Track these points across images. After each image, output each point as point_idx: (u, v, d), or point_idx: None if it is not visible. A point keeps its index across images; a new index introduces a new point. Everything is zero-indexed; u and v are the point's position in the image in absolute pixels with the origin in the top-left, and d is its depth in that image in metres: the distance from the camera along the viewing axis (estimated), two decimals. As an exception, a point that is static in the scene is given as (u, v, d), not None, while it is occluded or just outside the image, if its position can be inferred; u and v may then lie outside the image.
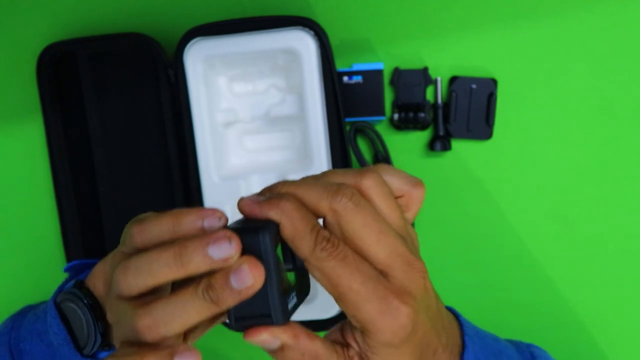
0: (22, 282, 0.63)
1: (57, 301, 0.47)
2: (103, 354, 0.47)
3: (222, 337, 0.62)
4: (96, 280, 0.47)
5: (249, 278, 0.32)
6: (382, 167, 0.39)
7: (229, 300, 0.33)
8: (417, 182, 0.39)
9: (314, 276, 0.34)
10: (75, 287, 0.47)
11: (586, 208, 0.57)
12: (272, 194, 0.35)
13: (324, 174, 0.37)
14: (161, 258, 0.33)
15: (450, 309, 0.43)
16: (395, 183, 0.38)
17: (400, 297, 0.34)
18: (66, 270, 0.52)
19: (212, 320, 0.40)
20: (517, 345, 0.47)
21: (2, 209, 0.63)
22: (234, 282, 0.32)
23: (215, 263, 0.33)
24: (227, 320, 0.35)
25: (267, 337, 0.34)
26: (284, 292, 0.34)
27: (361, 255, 0.34)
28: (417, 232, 0.58)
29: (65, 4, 0.59)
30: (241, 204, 0.34)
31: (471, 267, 0.59)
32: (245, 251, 0.33)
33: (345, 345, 0.36)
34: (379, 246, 0.34)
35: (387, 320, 0.33)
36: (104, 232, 0.60)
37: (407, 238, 0.36)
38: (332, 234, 0.34)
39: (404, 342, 0.34)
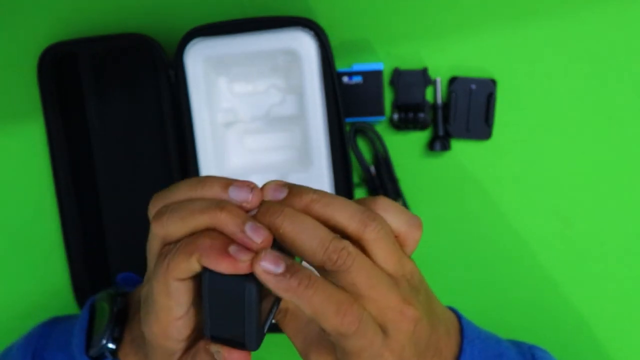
0: (23, 281, 0.63)
1: (95, 299, 0.49)
2: None
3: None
4: (136, 293, 0.48)
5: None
6: (383, 203, 0.38)
7: (234, 220, 0.35)
8: (416, 224, 0.39)
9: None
10: (116, 292, 0.48)
11: (586, 208, 0.57)
12: (292, 267, 0.34)
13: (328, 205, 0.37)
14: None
15: (453, 310, 0.44)
16: (395, 223, 0.38)
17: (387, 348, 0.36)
18: (119, 280, 0.53)
19: None
20: (519, 347, 0.48)
21: (3, 209, 0.63)
22: (249, 229, 0.35)
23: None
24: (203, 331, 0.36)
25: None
26: (262, 320, 0.35)
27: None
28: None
29: (66, 5, 0.59)
30: (258, 267, 0.33)
31: (471, 267, 0.59)
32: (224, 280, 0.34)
33: None
34: (372, 304, 0.35)
35: (397, 316, 0.36)
36: (104, 232, 0.60)
37: (401, 281, 0.37)
38: (350, 295, 0.35)
39: (404, 341, 0.36)
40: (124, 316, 0.47)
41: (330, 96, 0.54)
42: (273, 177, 0.56)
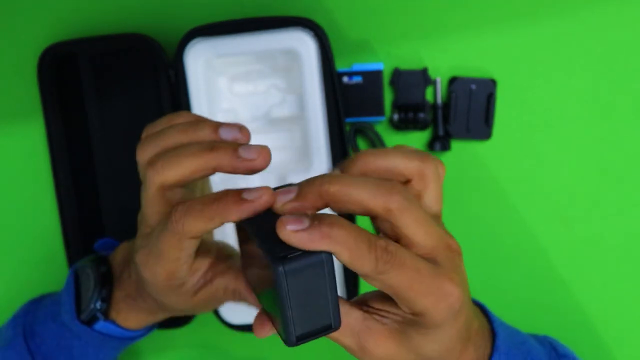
0: (23, 280, 0.63)
1: (76, 267, 0.50)
2: (99, 325, 0.48)
3: (222, 337, 0.62)
4: (117, 254, 0.50)
5: (256, 155, 0.36)
6: (379, 151, 0.37)
7: (226, 156, 0.36)
8: (424, 156, 0.38)
9: (369, 283, 0.35)
10: (96, 257, 0.50)
11: (586, 208, 0.57)
12: (316, 217, 0.33)
13: (354, 162, 0.37)
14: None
15: (479, 304, 0.45)
16: (400, 164, 0.37)
17: (450, 281, 0.35)
18: (96, 247, 0.54)
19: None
20: (535, 337, 0.48)
21: (3, 209, 0.63)
22: (242, 151, 0.36)
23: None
24: (284, 338, 0.34)
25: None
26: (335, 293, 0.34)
27: (410, 246, 0.35)
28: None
29: (66, 5, 0.59)
30: (286, 232, 0.33)
31: (471, 267, 0.59)
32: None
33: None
34: (427, 237, 0.35)
35: (441, 306, 0.34)
36: (104, 232, 0.60)
37: (439, 220, 0.38)
38: (385, 237, 0.34)
39: (453, 322, 0.36)
40: (109, 278, 0.48)
41: (330, 96, 0.54)
42: (273, 177, 0.57)
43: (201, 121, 0.40)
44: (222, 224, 0.36)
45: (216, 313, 0.59)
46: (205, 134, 0.39)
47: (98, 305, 0.47)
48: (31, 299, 0.54)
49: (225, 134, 0.39)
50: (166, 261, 0.39)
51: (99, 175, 0.59)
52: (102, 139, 0.59)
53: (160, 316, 0.49)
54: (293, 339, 0.33)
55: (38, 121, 0.60)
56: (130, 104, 0.58)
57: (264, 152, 0.36)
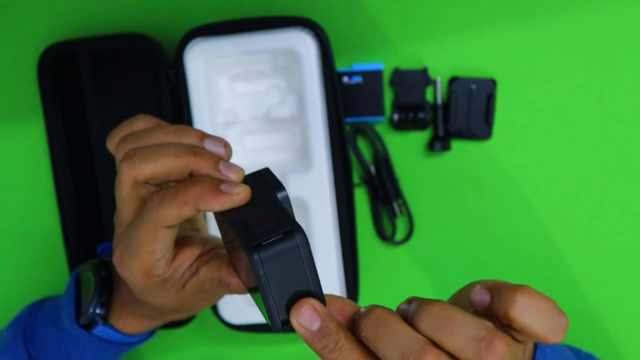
0: (23, 281, 0.63)
1: (78, 271, 0.50)
2: (98, 330, 0.48)
3: (222, 337, 0.62)
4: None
5: (235, 175, 0.37)
6: (523, 301, 0.31)
7: (206, 164, 0.36)
8: (560, 330, 0.31)
9: None
10: (98, 261, 0.50)
11: (586, 208, 0.57)
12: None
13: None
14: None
15: None
16: (534, 326, 0.31)
17: None
18: (100, 251, 0.54)
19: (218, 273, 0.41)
20: (578, 355, 0.47)
21: (3, 208, 0.63)
22: (222, 165, 0.37)
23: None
24: (270, 324, 0.34)
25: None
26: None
27: None
28: (417, 233, 0.59)
29: (66, 5, 0.59)
30: (297, 325, 0.33)
31: (471, 267, 0.59)
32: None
33: None
34: None
35: None
36: (104, 232, 0.60)
37: None
38: None
39: None
40: (110, 283, 0.49)
41: (330, 96, 0.54)
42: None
43: (187, 127, 0.39)
44: (197, 211, 0.36)
45: (216, 313, 0.59)
46: (189, 140, 0.39)
47: (97, 310, 0.47)
48: (33, 301, 0.54)
49: (210, 146, 0.39)
50: (141, 255, 0.38)
51: (99, 175, 0.59)
52: (102, 138, 0.59)
53: (160, 321, 0.49)
54: (278, 324, 0.34)
55: (38, 121, 0.60)
56: (130, 104, 0.58)
57: (240, 176, 0.37)
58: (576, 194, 0.57)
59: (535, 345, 0.37)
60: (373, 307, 0.33)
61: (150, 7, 0.59)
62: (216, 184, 0.35)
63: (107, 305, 0.48)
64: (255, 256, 0.32)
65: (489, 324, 0.31)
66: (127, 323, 0.48)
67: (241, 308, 0.58)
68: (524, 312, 0.31)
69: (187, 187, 0.36)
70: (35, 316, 0.51)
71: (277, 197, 0.36)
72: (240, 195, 0.35)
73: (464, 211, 0.58)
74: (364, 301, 0.58)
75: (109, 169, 0.59)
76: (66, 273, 0.62)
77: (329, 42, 0.54)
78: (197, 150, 0.37)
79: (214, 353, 0.63)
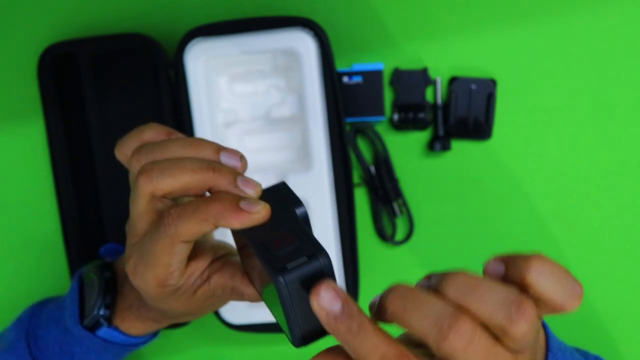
0: (23, 281, 0.63)
1: (82, 272, 0.50)
2: (102, 331, 0.48)
3: (222, 337, 0.62)
4: (121, 262, 0.50)
5: (254, 191, 0.37)
6: (538, 267, 0.31)
7: (224, 180, 0.36)
8: (575, 295, 0.32)
9: None
10: (101, 263, 0.50)
11: (586, 207, 0.57)
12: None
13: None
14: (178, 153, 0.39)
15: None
16: (550, 291, 0.31)
17: None
18: (102, 252, 0.54)
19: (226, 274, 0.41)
20: (586, 357, 0.47)
21: (3, 209, 0.63)
22: (240, 181, 0.37)
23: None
24: (291, 341, 0.35)
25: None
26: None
27: None
28: (417, 233, 0.59)
29: (66, 5, 0.59)
30: (318, 308, 0.31)
31: (471, 267, 0.58)
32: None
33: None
34: None
35: None
36: (104, 232, 0.60)
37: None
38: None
39: None
40: (113, 284, 0.49)
41: (330, 96, 0.54)
42: (273, 177, 0.56)
43: (203, 140, 0.39)
44: (216, 227, 0.36)
45: (216, 313, 0.59)
46: (206, 154, 0.39)
47: (102, 311, 0.47)
48: (35, 302, 0.54)
49: (226, 159, 0.39)
50: (156, 267, 0.38)
51: (99, 175, 0.59)
52: (102, 139, 0.59)
53: (165, 323, 0.49)
54: (299, 341, 0.34)
55: (38, 121, 0.60)
56: (130, 104, 0.58)
57: (257, 191, 0.37)
58: (576, 194, 0.57)
59: (547, 348, 0.37)
60: (395, 284, 0.32)
61: (150, 7, 0.59)
62: (236, 202, 0.35)
63: (111, 306, 0.48)
64: (281, 279, 0.32)
65: (516, 289, 0.31)
66: (132, 325, 0.48)
67: (241, 308, 0.58)
68: (540, 277, 0.31)
69: (207, 204, 0.36)
70: (37, 317, 0.51)
71: (295, 213, 0.36)
72: (260, 214, 0.35)
73: (464, 211, 0.58)
74: (364, 301, 0.58)
75: (109, 169, 0.59)
76: (66, 273, 0.62)
77: (329, 42, 0.54)
78: (215, 166, 0.37)
79: (214, 353, 0.63)
